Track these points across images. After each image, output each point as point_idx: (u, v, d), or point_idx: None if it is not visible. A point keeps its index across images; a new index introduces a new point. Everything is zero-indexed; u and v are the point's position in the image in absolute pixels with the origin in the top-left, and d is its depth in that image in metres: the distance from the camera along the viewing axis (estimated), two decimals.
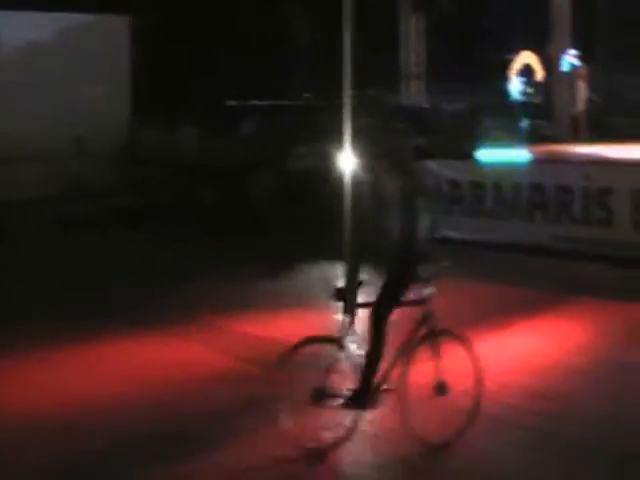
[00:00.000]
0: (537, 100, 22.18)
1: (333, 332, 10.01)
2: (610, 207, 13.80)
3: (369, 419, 7.60)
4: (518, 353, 9.09)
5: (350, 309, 7.25)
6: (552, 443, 6.86)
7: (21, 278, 13.34)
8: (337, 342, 7.04)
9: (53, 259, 14.91)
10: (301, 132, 18.11)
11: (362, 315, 7.12)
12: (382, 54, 21.79)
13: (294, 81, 22.95)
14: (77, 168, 18.89)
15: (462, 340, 7.07)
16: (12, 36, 20.80)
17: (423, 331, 6.92)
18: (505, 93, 22.07)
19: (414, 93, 21.30)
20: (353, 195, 15.18)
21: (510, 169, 15.19)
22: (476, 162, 15.76)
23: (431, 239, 6.89)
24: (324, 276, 13.21)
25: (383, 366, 6.83)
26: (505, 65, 22.65)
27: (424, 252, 6.84)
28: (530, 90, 22.09)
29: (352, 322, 7.06)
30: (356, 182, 15.49)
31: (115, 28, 22.11)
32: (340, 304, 7.85)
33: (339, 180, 15.33)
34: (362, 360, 6.85)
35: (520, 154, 15.67)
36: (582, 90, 21.01)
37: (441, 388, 6.92)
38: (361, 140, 7.68)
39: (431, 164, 16.12)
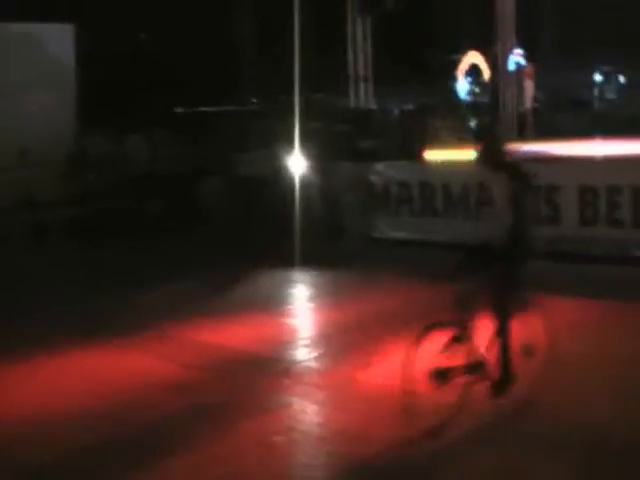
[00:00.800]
0: (484, 99, 22.32)
1: (287, 337, 10.12)
2: (558, 204, 13.88)
3: (317, 421, 7.61)
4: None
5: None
6: (505, 438, 6.88)
7: None
8: (459, 325, 7.42)
9: (1, 272, 14.72)
10: (250, 137, 18.06)
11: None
12: (330, 57, 21.77)
13: (242, 86, 22.86)
14: (24, 179, 18.64)
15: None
16: None
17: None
18: (453, 93, 22.19)
19: (362, 95, 21.30)
20: (302, 199, 15.25)
21: (458, 169, 15.23)
22: (424, 162, 15.80)
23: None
24: (274, 281, 13.21)
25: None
26: (452, 65, 22.77)
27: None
28: (477, 90, 22.25)
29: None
30: (305, 185, 15.56)
31: (60, 37, 21.85)
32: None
33: (289, 184, 15.39)
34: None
35: (468, 154, 15.70)
36: (528, 89, 21.20)
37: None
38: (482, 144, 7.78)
39: (379, 165, 16.17)
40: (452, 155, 15.76)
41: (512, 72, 21.39)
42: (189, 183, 17.56)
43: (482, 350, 7.42)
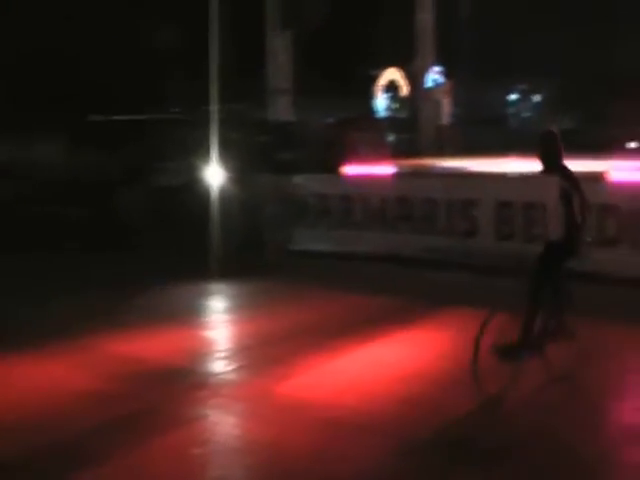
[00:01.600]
0: (402, 115, 22.57)
1: (204, 349, 10.01)
2: (474, 218, 14.06)
3: (234, 433, 7.54)
4: (384, 363, 9.12)
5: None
6: (414, 448, 6.88)
7: None
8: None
9: None
10: (169, 147, 17.90)
11: None
12: (251, 68, 21.76)
13: (164, 95, 22.67)
14: None
15: None
16: None
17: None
18: (372, 108, 22.38)
19: (282, 108, 21.35)
20: (222, 210, 15.16)
21: (377, 182, 15.34)
22: (343, 176, 15.87)
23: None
24: (192, 293, 13.08)
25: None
26: (372, 81, 22.97)
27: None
28: (395, 105, 22.49)
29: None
30: (225, 196, 15.47)
31: None
32: None
33: (208, 195, 15.28)
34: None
35: (386, 168, 15.84)
36: (446, 105, 21.52)
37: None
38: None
39: (299, 178, 16.19)
40: (371, 169, 15.86)
41: (430, 89, 21.70)
42: (106, 192, 17.30)
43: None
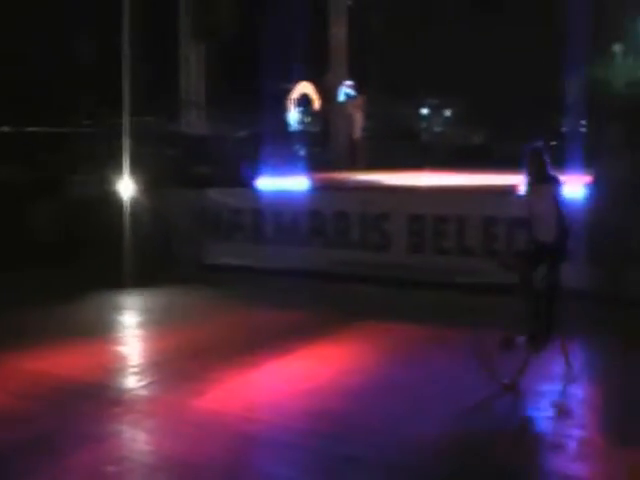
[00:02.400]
0: (315, 129, 22.63)
1: (116, 365, 9.87)
2: (386, 232, 14.18)
3: (149, 450, 7.45)
4: (297, 377, 9.13)
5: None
6: (328, 462, 6.89)
7: None
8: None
9: None
10: (82, 160, 17.62)
11: None
12: (164, 81, 21.60)
13: (78, 108, 22.30)
14: None
15: None
16: None
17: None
18: (284, 122, 22.38)
19: (194, 121, 21.23)
20: (134, 224, 15.01)
21: (290, 197, 15.37)
22: (257, 190, 15.85)
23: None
24: (103, 308, 12.91)
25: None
26: (284, 94, 22.98)
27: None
28: (308, 119, 22.54)
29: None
30: (138, 210, 15.31)
31: None
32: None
33: (120, 208, 15.10)
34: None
35: (299, 182, 15.88)
36: (358, 119, 21.63)
37: None
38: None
39: (212, 192, 16.12)
40: (284, 183, 15.89)
41: (342, 103, 21.81)
42: (20, 204, 16.88)
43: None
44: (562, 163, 14.93)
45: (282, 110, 22.57)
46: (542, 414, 8.04)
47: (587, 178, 12.21)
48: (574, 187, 12.36)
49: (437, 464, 6.82)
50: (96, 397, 8.62)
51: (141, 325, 12.15)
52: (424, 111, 27.11)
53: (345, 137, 21.56)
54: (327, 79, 22.83)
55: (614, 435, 7.38)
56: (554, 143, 20.31)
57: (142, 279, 14.34)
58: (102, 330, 11.39)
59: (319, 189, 15.82)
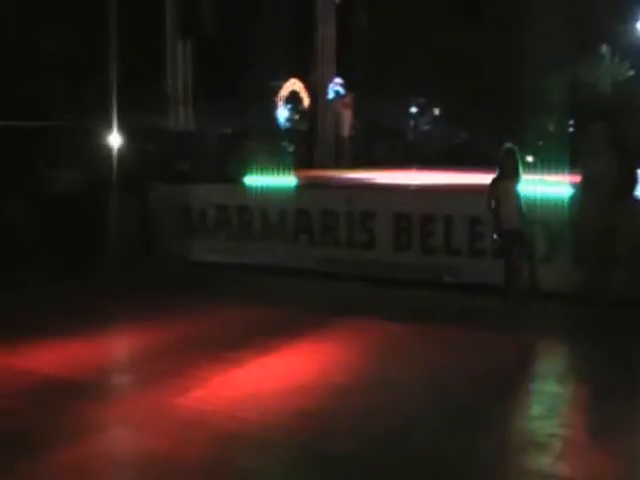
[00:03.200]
0: (303, 126, 22.61)
1: (99, 362, 9.80)
2: (372, 230, 14.15)
3: (131, 448, 7.39)
4: (282, 374, 9.09)
5: None
6: (313, 460, 6.86)
7: None
8: None
9: None
10: (61, 154, 17.47)
11: None
12: (149, 76, 21.53)
13: (57, 102, 22.19)
14: None
15: None
16: None
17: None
18: (272, 119, 22.37)
19: (180, 117, 21.18)
20: (115, 220, 14.94)
21: (276, 194, 15.31)
22: (242, 186, 15.80)
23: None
24: (83, 304, 12.80)
25: None
26: (272, 91, 22.97)
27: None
28: (296, 117, 22.53)
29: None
30: (119, 206, 15.24)
31: None
32: None
33: (100, 204, 15.02)
34: None
35: (286, 179, 15.84)
36: (347, 117, 21.62)
37: None
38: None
39: (197, 188, 16.06)
40: (270, 180, 15.83)
41: (331, 100, 21.79)
42: None
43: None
44: (549, 162, 14.97)
45: (270, 107, 22.56)
46: (528, 413, 8.04)
47: (574, 177, 12.20)
48: (561, 187, 12.37)
49: (421, 462, 6.78)
50: (78, 394, 8.55)
51: (122, 322, 12.03)
52: (412, 110, 27.11)
53: (333, 135, 21.53)
54: (315, 77, 22.81)
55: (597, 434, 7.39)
56: (541, 143, 20.38)
57: (122, 276, 14.27)
58: (81, 327, 11.27)
59: (306, 186, 15.78)
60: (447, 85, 24.75)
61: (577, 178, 11.80)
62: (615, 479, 6.56)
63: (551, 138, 21.53)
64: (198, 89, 21.78)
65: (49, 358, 9.83)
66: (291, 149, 20.71)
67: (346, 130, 21.40)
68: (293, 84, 23.40)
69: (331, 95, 21.85)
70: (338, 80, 21.91)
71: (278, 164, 16.82)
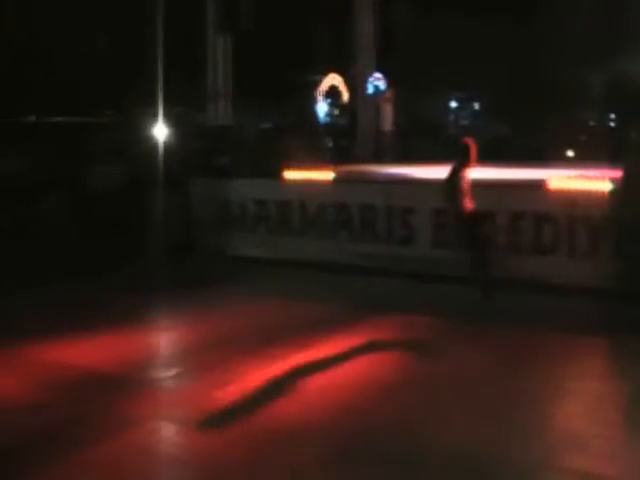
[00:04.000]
0: (342, 121, 22.57)
1: (143, 356, 9.87)
2: (411, 225, 14.10)
3: (174, 441, 7.44)
4: (322, 370, 9.10)
5: None
6: (349, 457, 6.85)
7: None
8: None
9: None
10: (103, 150, 17.63)
11: None
12: (190, 72, 21.65)
13: (99, 98, 22.39)
14: None
15: None
16: None
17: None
18: (312, 113, 22.36)
19: (221, 112, 21.25)
20: (156, 214, 15.04)
21: (315, 188, 15.31)
22: (282, 181, 15.81)
23: None
24: (127, 299, 12.89)
25: None
26: (312, 86, 22.96)
27: None
28: (336, 111, 22.50)
29: None
30: (159, 200, 15.35)
31: None
32: None
33: (141, 199, 15.13)
34: None
35: (325, 174, 15.82)
36: (387, 112, 21.51)
37: None
38: None
39: (237, 183, 16.11)
40: (309, 175, 15.82)
41: (371, 95, 21.72)
42: (35, 195, 16.84)
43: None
44: (590, 157, 14.80)
45: (310, 102, 22.55)
46: (566, 412, 7.97)
47: (615, 172, 12.09)
48: (603, 182, 12.25)
49: (460, 461, 6.74)
50: (121, 387, 8.65)
51: (165, 316, 12.17)
52: (452, 104, 26.99)
53: (372, 130, 21.45)
54: (355, 71, 22.75)
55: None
56: (582, 137, 20.19)
57: (164, 270, 14.36)
58: (126, 321, 11.39)
59: (345, 181, 15.75)
60: (488, 79, 24.58)
61: (618, 173, 11.69)
62: None
63: (592, 133, 21.32)
64: (237, 84, 21.84)
65: (93, 352, 9.95)
66: (330, 144, 20.70)
67: (386, 125, 21.30)
68: (332, 78, 23.37)
69: (371, 90, 21.76)
70: (378, 75, 21.81)
71: (317, 159, 16.83)
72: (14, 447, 7.17)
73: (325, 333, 10.47)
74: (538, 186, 12.93)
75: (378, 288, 13.08)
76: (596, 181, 12.46)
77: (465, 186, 11.70)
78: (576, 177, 13.22)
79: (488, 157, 19.12)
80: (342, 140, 21.70)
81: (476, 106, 27.08)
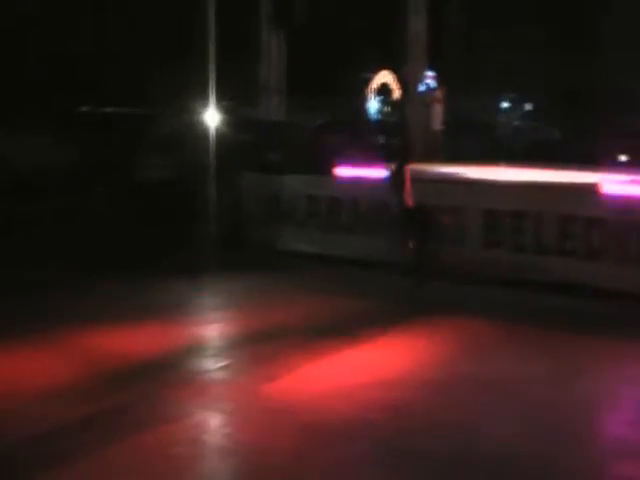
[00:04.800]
0: (393, 119, 22.54)
1: (191, 346, 9.97)
2: (462, 225, 14.07)
3: (221, 433, 7.52)
4: (369, 367, 9.15)
5: None
6: (396, 456, 6.87)
7: None
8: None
9: None
10: (153, 141, 17.75)
11: None
12: (242, 66, 21.73)
13: (150, 90, 22.53)
14: None
15: None
16: None
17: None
18: (363, 111, 22.37)
19: (273, 107, 21.32)
20: (206, 207, 15.14)
21: (367, 185, 15.34)
22: (332, 178, 15.86)
23: None
24: (178, 290, 13.03)
25: None
26: (364, 83, 22.96)
27: None
28: (387, 109, 22.48)
29: None
30: (210, 193, 15.45)
31: None
32: None
33: (192, 192, 15.23)
34: None
35: (377, 171, 15.83)
36: (438, 111, 21.44)
37: None
38: None
39: (287, 178, 16.20)
40: (361, 172, 15.86)
41: (422, 94, 21.66)
42: (85, 185, 16.99)
43: None
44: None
45: (361, 99, 22.56)
46: (618, 418, 7.94)
47: None
48: None
49: (502, 462, 6.74)
50: (169, 378, 8.75)
51: (213, 308, 12.27)
52: (504, 105, 26.83)
53: (423, 128, 21.40)
54: (407, 69, 22.70)
55: None
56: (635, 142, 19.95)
57: (214, 263, 14.47)
58: (174, 312, 11.52)
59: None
60: (540, 81, 24.46)
61: None
62: None
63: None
64: (290, 80, 21.90)
65: (142, 340, 10.07)
66: (382, 141, 20.69)
67: (437, 124, 21.24)
68: (384, 76, 23.36)
69: (422, 88, 21.71)
70: (430, 74, 21.74)
71: (368, 156, 16.84)
72: (62, 432, 7.26)
73: (375, 330, 10.51)
74: (591, 190, 12.85)
75: (426, 288, 13.06)
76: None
77: (407, 183, 13.02)
78: (629, 182, 13.13)
79: (537, 159, 19.07)
80: (393, 138, 21.67)
81: (527, 107, 26.87)
